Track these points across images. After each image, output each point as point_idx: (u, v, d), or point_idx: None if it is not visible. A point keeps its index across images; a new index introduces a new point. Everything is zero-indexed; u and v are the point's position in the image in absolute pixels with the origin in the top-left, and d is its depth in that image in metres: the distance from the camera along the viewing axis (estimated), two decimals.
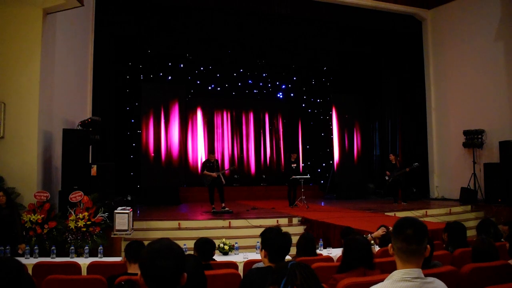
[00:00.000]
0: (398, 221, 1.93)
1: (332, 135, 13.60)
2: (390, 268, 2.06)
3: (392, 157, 10.96)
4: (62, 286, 3.18)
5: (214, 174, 9.14)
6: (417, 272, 1.80)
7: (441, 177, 12.09)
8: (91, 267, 3.93)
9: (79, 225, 6.23)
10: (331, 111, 13.45)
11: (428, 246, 1.87)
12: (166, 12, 10.91)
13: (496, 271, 3.01)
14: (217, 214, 8.86)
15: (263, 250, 2.54)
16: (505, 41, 10.24)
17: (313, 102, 15.20)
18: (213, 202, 9.29)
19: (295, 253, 4.32)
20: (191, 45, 12.64)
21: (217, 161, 9.61)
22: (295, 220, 8.42)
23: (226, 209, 9.10)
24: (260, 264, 2.74)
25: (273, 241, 2.51)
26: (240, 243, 5.54)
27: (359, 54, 13.53)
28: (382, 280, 1.88)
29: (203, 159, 13.59)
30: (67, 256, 5.09)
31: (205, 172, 9.21)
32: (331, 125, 13.66)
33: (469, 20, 11.15)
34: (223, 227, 7.86)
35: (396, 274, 1.82)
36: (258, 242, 4.11)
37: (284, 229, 2.65)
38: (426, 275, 1.85)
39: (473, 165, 10.63)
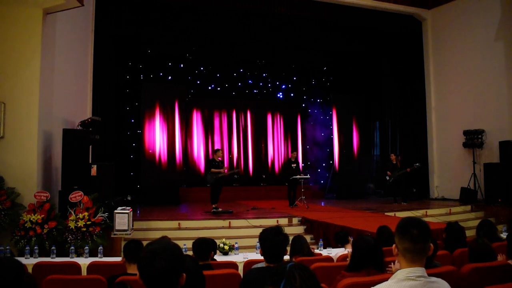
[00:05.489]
0: (401, 222, 1.94)
1: (332, 135, 13.61)
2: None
3: (393, 157, 10.96)
4: (62, 286, 3.18)
5: (222, 171, 9.15)
6: (421, 270, 1.83)
7: (441, 177, 12.09)
8: (91, 267, 3.93)
9: (79, 225, 6.23)
10: (331, 111, 13.46)
11: (431, 245, 1.90)
12: (166, 12, 10.92)
13: (496, 271, 3.02)
14: (217, 214, 8.86)
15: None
16: (505, 41, 10.24)
17: (313, 102, 15.19)
18: (214, 201, 9.26)
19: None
20: (191, 45, 12.64)
21: (220, 161, 9.61)
22: (295, 220, 8.42)
23: (220, 209, 9.12)
24: (260, 265, 2.75)
25: (264, 241, 2.56)
26: (240, 243, 5.54)
27: (359, 54, 13.52)
28: (385, 280, 1.89)
29: (202, 159, 13.64)
30: (67, 256, 5.10)
31: (212, 170, 9.19)
32: (331, 125, 13.67)
33: (469, 20, 11.15)
34: (223, 227, 7.86)
35: (400, 273, 1.84)
36: (258, 242, 4.12)
37: (284, 229, 2.66)
38: (428, 275, 1.86)
39: (473, 165, 10.63)
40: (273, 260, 2.50)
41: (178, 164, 11.85)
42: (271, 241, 2.53)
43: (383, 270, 2.78)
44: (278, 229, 2.61)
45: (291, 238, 4.11)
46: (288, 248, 2.60)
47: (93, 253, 5.30)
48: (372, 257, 2.75)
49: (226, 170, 9.59)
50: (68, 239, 6.15)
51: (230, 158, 13.97)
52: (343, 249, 4.68)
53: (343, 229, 6.14)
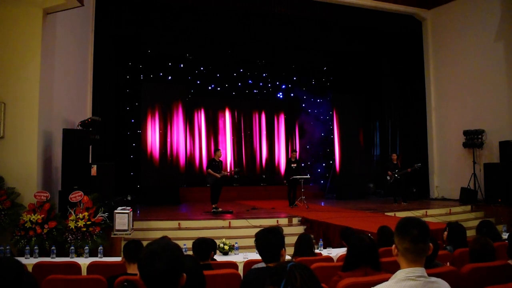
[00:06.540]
0: (401, 222, 1.94)
1: (332, 135, 13.61)
2: (392, 268, 2.06)
3: (394, 157, 10.95)
4: (62, 286, 3.18)
5: (218, 175, 9.14)
6: (420, 270, 1.83)
7: (441, 177, 12.09)
8: (91, 267, 3.93)
9: (79, 225, 6.23)
10: (331, 111, 13.46)
11: (431, 245, 1.90)
12: (166, 12, 10.92)
13: (496, 271, 3.01)
14: (217, 214, 8.86)
15: None
16: (505, 41, 10.23)
17: (313, 102, 15.19)
18: (214, 201, 9.27)
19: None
20: (191, 45, 12.64)
21: (221, 162, 9.61)
22: (295, 220, 8.42)
23: (220, 209, 9.12)
24: (261, 265, 2.74)
25: (257, 240, 2.55)
26: (240, 243, 5.54)
27: (359, 54, 13.53)
28: (384, 280, 1.89)
29: (202, 159, 13.64)
30: (67, 256, 5.10)
31: (209, 171, 9.20)
32: (331, 125, 13.67)
33: (469, 20, 11.15)
34: (223, 227, 7.86)
35: (400, 274, 1.84)
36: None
37: (284, 229, 2.65)
38: (428, 275, 1.86)
39: (473, 165, 10.63)
40: (269, 259, 2.49)
41: (178, 164, 11.85)
42: (264, 239, 2.51)
43: (380, 269, 2.78)
44: (271, 228, 2.60)
45: (293, 238, 4.10)
46: (287, 248, 2.57)
47: (93, 253, 5.30)
48: (369, 256, 2.75)
49: (228, 174, 9.64)
50: (68, 239, 6.15)
51: (234, 158, 13.98)
52: (344, 249, 4.67)
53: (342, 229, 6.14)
